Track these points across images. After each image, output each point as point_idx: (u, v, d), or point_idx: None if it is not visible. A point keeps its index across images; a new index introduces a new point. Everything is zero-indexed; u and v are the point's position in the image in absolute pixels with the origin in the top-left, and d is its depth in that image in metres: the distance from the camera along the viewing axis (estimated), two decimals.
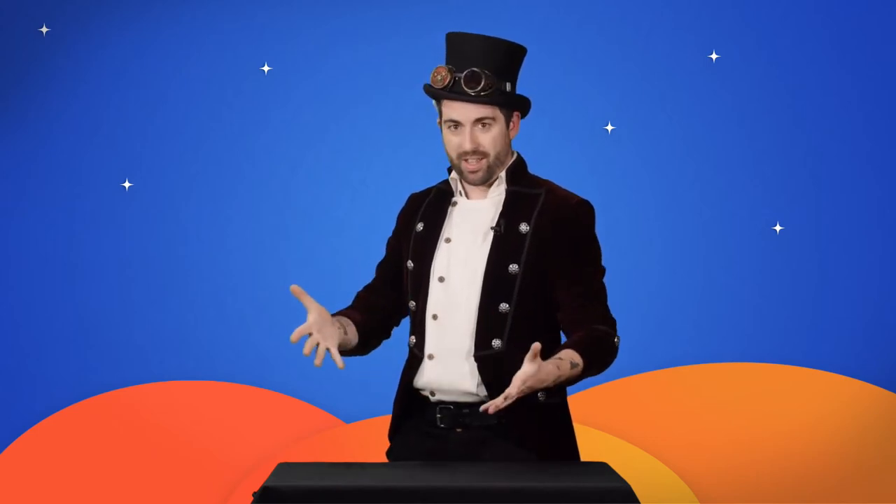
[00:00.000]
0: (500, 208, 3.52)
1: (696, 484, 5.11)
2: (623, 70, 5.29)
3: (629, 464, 4.94)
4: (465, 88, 3.46)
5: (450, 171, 3.60)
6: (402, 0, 5.31)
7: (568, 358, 3.34)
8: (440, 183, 3.63)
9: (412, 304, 3.53)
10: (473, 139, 3.46)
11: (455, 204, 3.56)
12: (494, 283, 3.45)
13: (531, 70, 5.30)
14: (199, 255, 5.28)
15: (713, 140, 5.29)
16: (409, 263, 3.53)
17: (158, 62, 5.31)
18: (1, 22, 5.30)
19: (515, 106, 3.55)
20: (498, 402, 3.21)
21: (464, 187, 3.57)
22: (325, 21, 5.32)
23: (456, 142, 3.49)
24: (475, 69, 3.47)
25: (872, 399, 5.19)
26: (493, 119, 3.49)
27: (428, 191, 3.64)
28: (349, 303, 3.62)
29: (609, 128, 5.30)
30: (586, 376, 3.40)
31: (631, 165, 5.29)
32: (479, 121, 3.48)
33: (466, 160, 3.48)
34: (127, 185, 5.32)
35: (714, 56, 5.28)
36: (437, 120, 3.57)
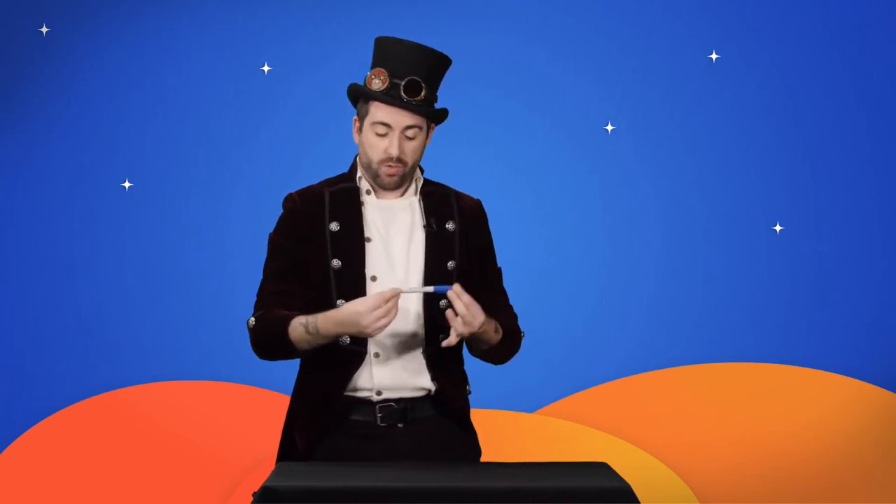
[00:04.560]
0: (419, 207, 3.57)
1: (696, 484, 5.12)
2: (623, 70, 5.29)
3: (629, 464, 4.95)
4: (405, 96, 3.49)
5: (353, 170, 3.61)
6: (402, 0, 5.32)
7: (494, 323, 3.50)
8: (335, 180, 3.61)
9: (340, 303, 3.47)
10: (401, 146, 3.49)
11: (364, 203, 3.57)
12: (435, 281, 3.49)
13: (532, 70, 5.33)
14: (199, 255, 5.28)
15: (713, 140, 5.29)
16: (336, 262, 3.51)
17: (158, 62, 5.31)
18: (1, 22, 5.30)
19: (438, 119, 3.58)
20: (453, 338, 3.39)
21: (372, 186, 3.58)
22: (325, 21, 5.33)
23: (382, 145, 3.51)
24: (416, 78, 3.51)
25: (872, 399, 5.19)
26: (420, 129, 3.52)
27: (316, 190, 3.60)
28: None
29: (609, 128, 5.31)
30: (491, 353, 3.55)
31: (631, 165, 5.29)
32: (408, 128, 3.50)
33: (389, 165, 3.51)
34: (127, 185, 5.32)
35: (714, 56, 5.29)
36: (355, 119, 3.56)
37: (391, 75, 3.50)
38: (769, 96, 5.28)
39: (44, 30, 5.30)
